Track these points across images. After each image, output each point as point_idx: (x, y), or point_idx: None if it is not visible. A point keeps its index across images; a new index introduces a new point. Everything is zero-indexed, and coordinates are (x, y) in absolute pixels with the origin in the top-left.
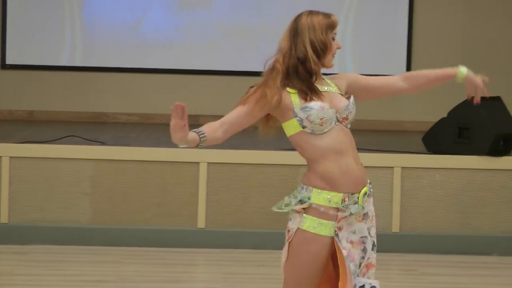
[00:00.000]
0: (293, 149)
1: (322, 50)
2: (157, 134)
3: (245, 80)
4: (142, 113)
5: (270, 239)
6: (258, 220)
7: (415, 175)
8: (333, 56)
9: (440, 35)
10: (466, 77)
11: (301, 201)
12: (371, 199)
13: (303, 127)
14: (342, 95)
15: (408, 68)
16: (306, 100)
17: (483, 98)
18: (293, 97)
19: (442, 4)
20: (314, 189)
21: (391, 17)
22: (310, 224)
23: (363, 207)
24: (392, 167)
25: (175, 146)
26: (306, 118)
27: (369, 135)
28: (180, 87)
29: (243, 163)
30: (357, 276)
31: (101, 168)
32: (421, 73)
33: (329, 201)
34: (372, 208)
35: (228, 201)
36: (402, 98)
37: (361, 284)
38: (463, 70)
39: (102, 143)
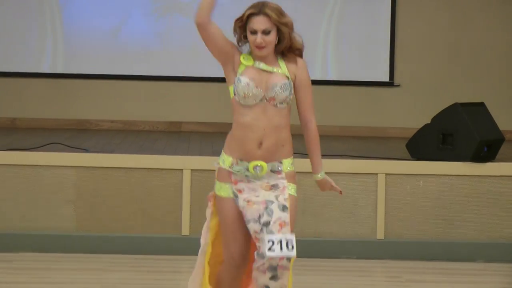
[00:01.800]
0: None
1: (235, 34)
2: (140, 140)
3: (226, 86)
4: (124, 119)
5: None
6: None
7: (399, 182)
8: (256, 47)
9: (423, 41)
10: (318, 182)
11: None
12: (282, 175)
13: (234, 94)
14: (287, 77)
15: (391, 75)
16: (243, 74)
17: (466, 104)
18: (241, 67)
19: (425, 10)
20: (222, 152)
21: (373, 23)
22: (217, 187)
23: (257, 177)
24: (376, 174)
25: (158, 153)
26: (236, 88)
27: (353, 142)
28: (161, 94)
29: None
30: (272, 233)
31: (85, 175)
32: (309, 139)
33: (223, 162)
34: (284, 181)
35: None
36: (385, 105)
37: (278, 240)
38: (319, 176)
39: (85, 150)
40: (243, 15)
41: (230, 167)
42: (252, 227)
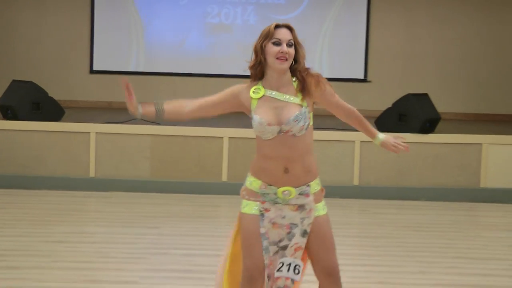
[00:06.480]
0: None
1: (256, 55)
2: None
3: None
4: None
5: None
6: None
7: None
8: (277, 59)
9: (388, 50)
10: (382, 143)
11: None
12: (310, 197)
13: (253, 127)
14: (300, 105)
15: (365, 73)
16: (256, 111)
17: (416, 94)
18: (253, 103)
19: (389, 27)
20: (249, 174)
21: (353, 36)
22: (243, 205)
23: (286, 201)
24: (354, 141)
25: (207, 125)
26: (252, 123)
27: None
28: (212, 87)
29: None
30: (285, 256)
31: (157, 140)
32: (357, 121)
33: (250, 184)
34: (312, 203)
35: (247, 163)
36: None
37: (288, 262)
38: (380, 137)
39: (158, 124)
40: (268, 30)
41: (258, 190)
42: (272, 249)
